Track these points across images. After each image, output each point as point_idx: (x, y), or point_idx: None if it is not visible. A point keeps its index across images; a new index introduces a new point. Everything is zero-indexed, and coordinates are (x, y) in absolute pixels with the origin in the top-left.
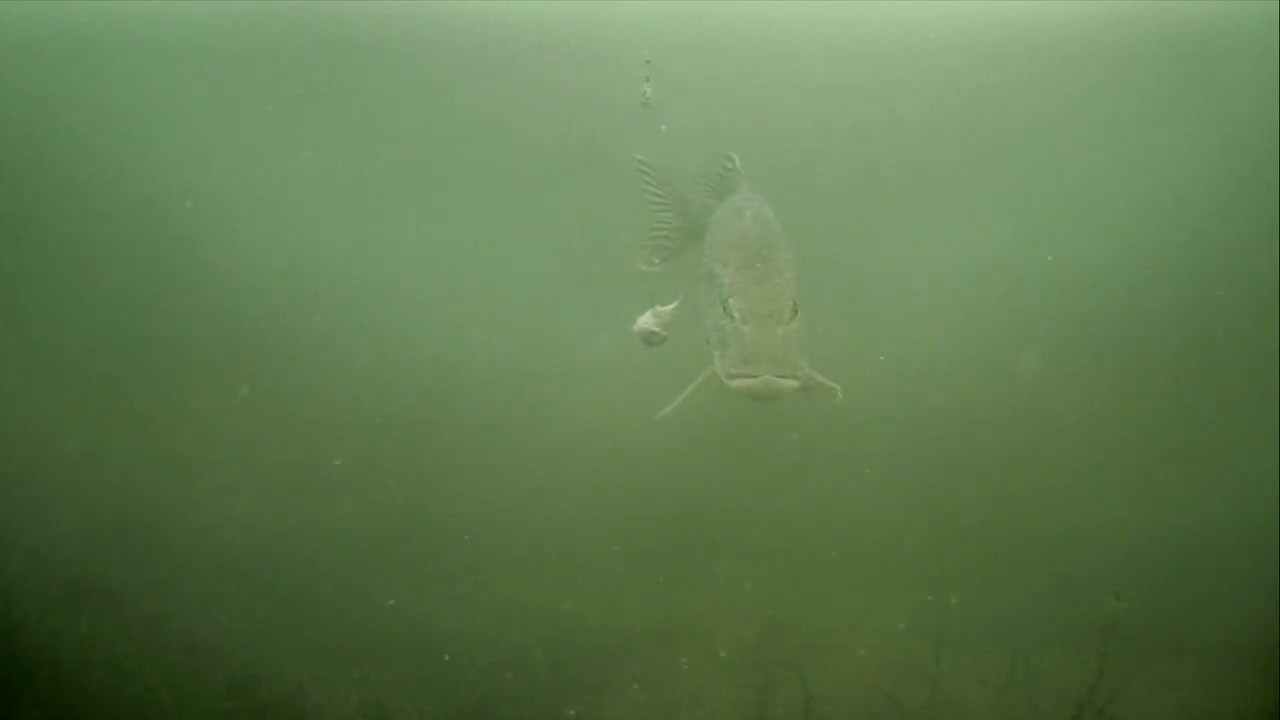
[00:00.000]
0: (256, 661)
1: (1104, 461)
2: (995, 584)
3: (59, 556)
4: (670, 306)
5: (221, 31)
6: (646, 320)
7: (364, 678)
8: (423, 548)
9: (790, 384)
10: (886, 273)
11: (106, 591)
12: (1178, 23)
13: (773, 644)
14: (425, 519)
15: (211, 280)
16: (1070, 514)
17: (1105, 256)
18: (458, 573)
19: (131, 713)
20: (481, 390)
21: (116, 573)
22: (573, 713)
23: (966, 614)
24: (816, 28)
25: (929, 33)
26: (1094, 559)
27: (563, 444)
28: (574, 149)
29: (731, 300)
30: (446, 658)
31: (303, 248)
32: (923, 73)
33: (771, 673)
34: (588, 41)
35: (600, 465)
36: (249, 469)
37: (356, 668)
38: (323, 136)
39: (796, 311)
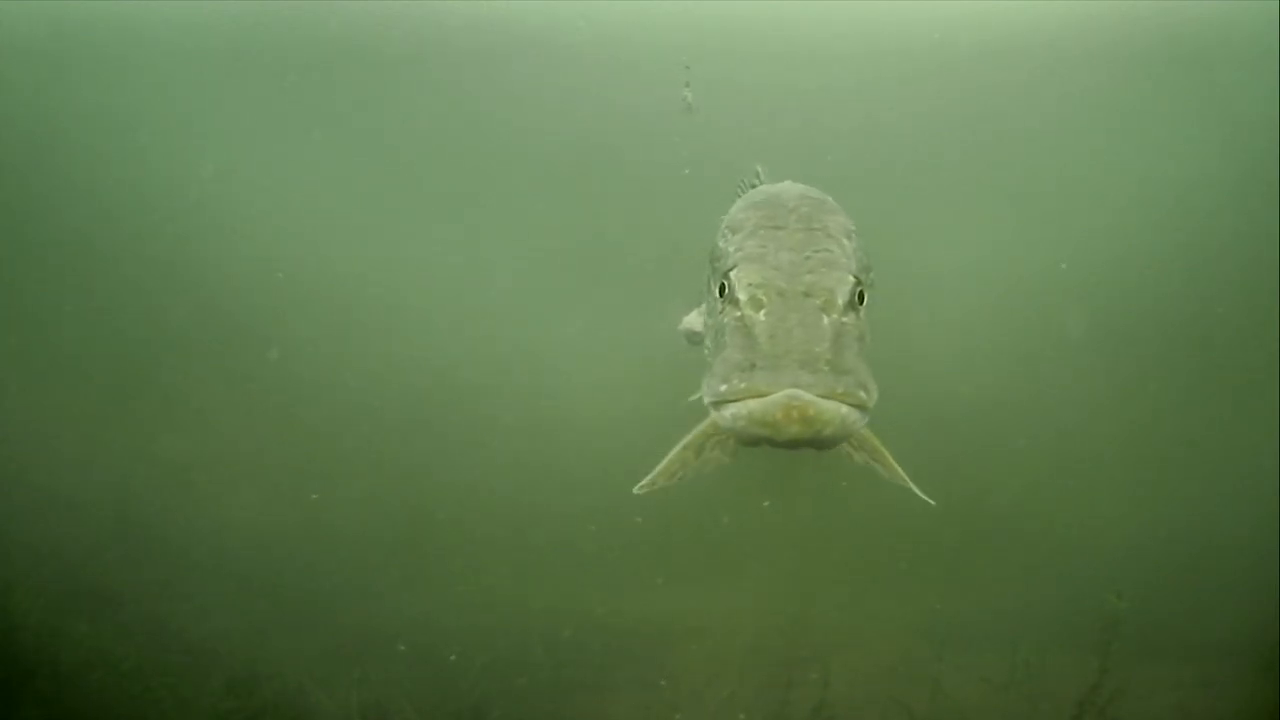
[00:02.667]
0: (256, 661)
1: (1106, 461)
2: (998, 583)
3: (59, 557)
4: None
5: (222, 31)
6: (691, 319)
7: (364, 678)
8: (423, 548)
9: (845, 414)
10: (889, 272)
11: (106, 592)
12: (1178, 23)
13: (774, 645)
14: (426, 520)
15: (212, 281)
16: (1073, 514)
17: (1105, 256)
18: (458, 573)
19: (131, 713)
20: (483, 391)
21: (116, 573)
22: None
23: (969, 613)
24: (836, 29)
25: (934, 33)
26: (1096, 559)
27: (565, 443)
28: (592, 153)
29: (737, 272)
30: (452, 658)
31: (304, 248)
32: (924, 73)
33: (772, 673)
34: (609, 45)
35: (603, 464)
36: (249, 469)
37: (356, 668)
38: (325, 136)
39: (863, 298)
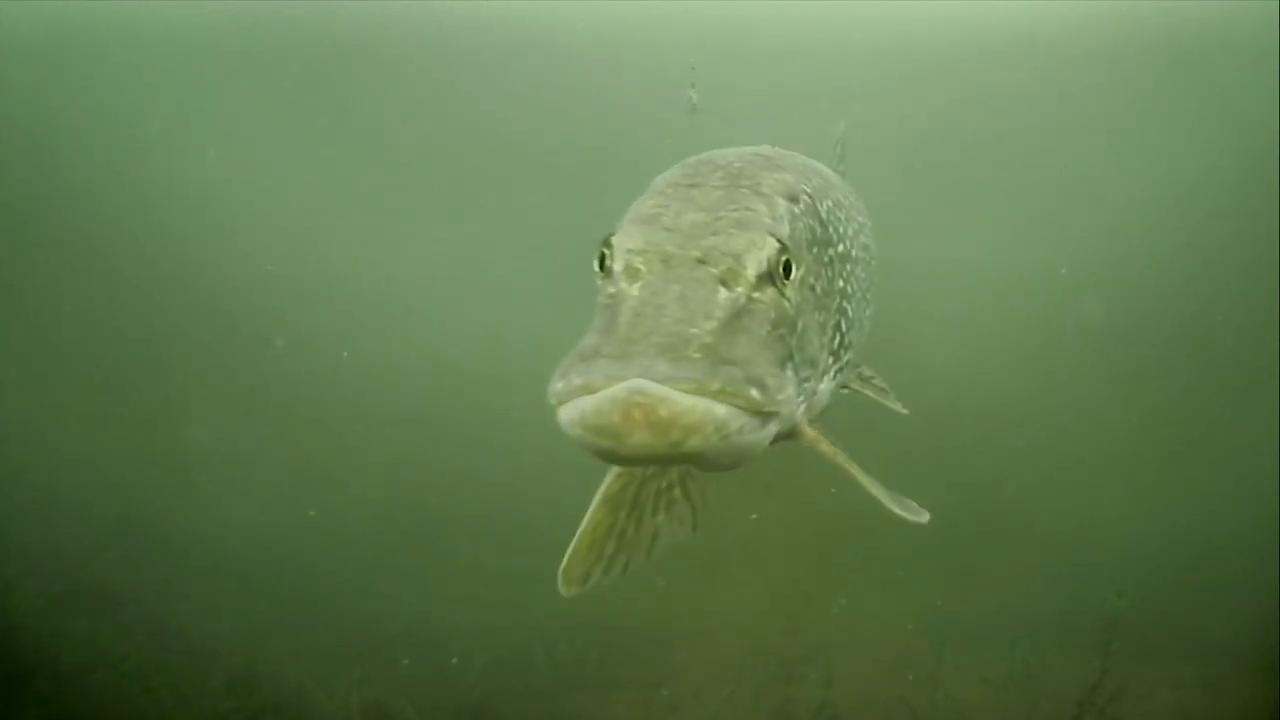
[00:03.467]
0: (256, 661)
1: (1106, 461)
2: (998, 583)
3: (59, 557)
4: None
5: (222, 31)
6: None
7: (364, 678)
8: (423, 548)
9: (723, 417)
10: (891, 272)
11: (106, 592)
12: (1178, 23)
13: (775, 644)
14: (426, 519)
15: (212, 280)
16: (1073, 513)
17: (1104, 256)
18: (458, 573)
19: (131, 713)
20: (484, 390)
21: (116, 573)
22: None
23: (969, 613)
24: (838, 28)
25: (935, 32)
26: (1096, 558)
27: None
28: (593, 153)
29: (617, 237)
30: (454, 661)
31: (304, 247)
32: (925, 73)
33: (773, 673)
34: (611, 45)
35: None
36: (249, 469)
37: (356, 668)
38: (326, 136)
39: (790, 268)
